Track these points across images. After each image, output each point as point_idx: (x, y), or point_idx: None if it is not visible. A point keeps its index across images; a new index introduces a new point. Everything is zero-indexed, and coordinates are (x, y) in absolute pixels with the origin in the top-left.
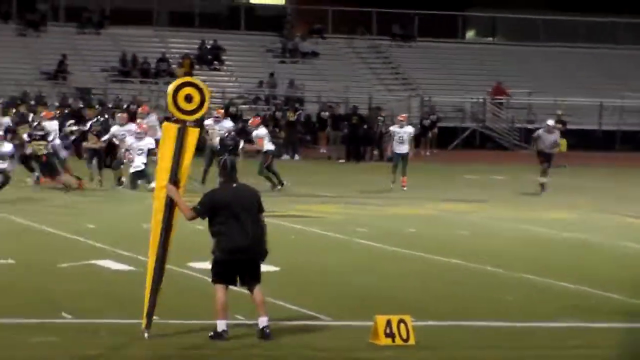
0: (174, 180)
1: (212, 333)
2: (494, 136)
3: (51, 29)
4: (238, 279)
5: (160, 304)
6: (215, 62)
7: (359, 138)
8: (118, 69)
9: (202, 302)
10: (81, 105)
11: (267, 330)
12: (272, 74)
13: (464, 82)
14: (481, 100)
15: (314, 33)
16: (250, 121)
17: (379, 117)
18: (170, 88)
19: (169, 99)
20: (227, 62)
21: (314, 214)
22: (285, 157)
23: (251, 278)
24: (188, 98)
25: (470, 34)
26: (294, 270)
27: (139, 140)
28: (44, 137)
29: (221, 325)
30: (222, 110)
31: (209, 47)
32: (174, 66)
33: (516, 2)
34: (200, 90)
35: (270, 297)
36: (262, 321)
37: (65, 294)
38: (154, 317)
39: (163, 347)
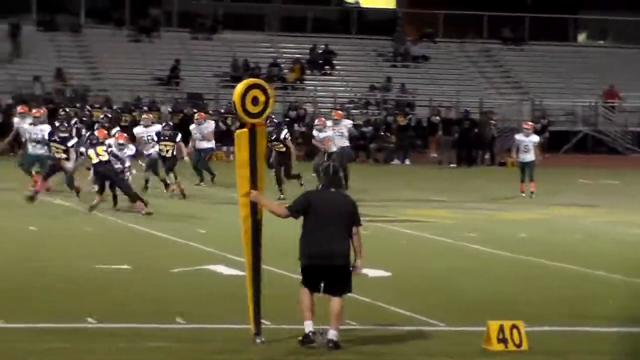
0: (255, 184)
1: (260, 340)
2: (606, 140)
3: (164, 34)
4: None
5: (273, 309)
6: (327, 67)
7: (471, 142)
8: (230, 74)
9: (321, 308)
10: (194, 111)
11: (331, 344)
12: (389, 79)
13: (576, 85)
14: (593, 103)
15: (425, 37)
16: (317, 121)
17: (490, 121)
18: (237, 92)
19: (237, 104)
20: (338, 67)
21: (425, 219)
22: (396, 161)
23: (332, 287)
24: (254, 100)
25: (581, 37)
26: (406, 276)
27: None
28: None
29: (307, 326)
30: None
31: (320, 51)
32: (285, 71)
33: (628, 4)
34: (264, 90)
35: (382, 302)
36: (331, 334)
37: (178, 299)
38: (267, 322)
39: (275, 353)
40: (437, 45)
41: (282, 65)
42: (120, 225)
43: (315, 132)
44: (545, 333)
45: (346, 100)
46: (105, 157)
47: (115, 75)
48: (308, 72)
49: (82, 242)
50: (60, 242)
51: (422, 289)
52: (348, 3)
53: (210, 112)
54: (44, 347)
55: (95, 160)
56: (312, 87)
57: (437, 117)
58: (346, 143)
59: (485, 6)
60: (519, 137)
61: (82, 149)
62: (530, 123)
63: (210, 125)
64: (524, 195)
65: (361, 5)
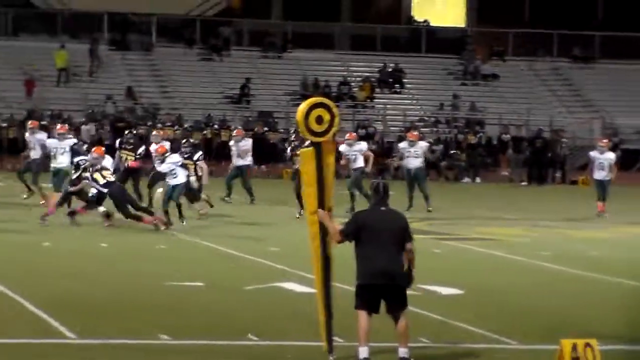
0: (322, 203)
1: (332, 358)
2: None
3: (234, 53)
4: (383, 304)
5: (346, 326)
6: (396, 85)
7: (542, 160)
8: (300, 93)
9: (386, 326)
10: (266, 129)
11: None
12: (456, 96)
13: None
14: None
15: (495, 55)
16: (347, 135)
17: (561, 140)
18: (301, 111)
19: (300, 122)
20: (407, 85)
21: (496, 237)
22: (467, 180)
23: (394, 305)
24: (319, 119)
25: None
26: (478, 293)
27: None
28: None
29: (362, 352)
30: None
31: (389, 70)
32: (355, 89)
33: None
34: (329, 109)
35: (453, 320)
36: (402, 352)
37: (251, 317)
38: (339, 340)
39: None
40: (507, 64)
41: (352, 84)
42: (192, 242)
43: (343, 147)
44: (619, 352)
45: (416, 118)
46: (111, 179)
47: (186, 93)
48: (378, 90)
49: (155, 260)
50: (132, 259)
51: (494, 307)
52: (418, 22)
53: (281, 130)
54: None
55: (102, 181)
56: (382, 106)
57: (507, 135)
58: (420, 164)
59: (555, 24)
60: (593, 154)
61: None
62: (605, 140)
63: (247, 143)
64: (604, 215)
65: (431, 24)
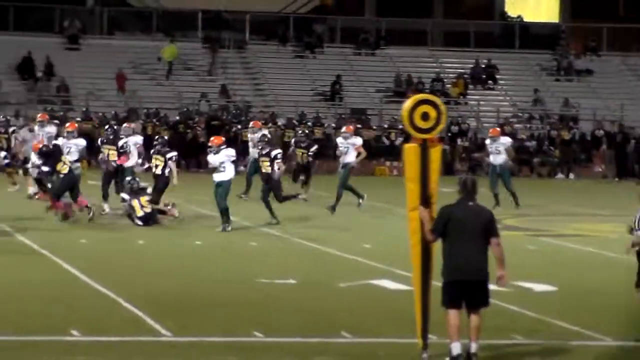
0: (425, 200)
1: (447, 358)
2: None
3: (327, 50)
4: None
5: (439, 323)
6: (489, 81)
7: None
8: (393, 90)
9: (487, 322)
10: (359, 126)
11: (474, 358)
12: (551, 93)
13: None
14: None
15: (589, 50)
16: (343, 128)
17: None
18: (406, 106)
19: (405, 118)
20: (501, 81)
21: (590, 233)
22: (560, 176)
23: (476, 301)
24: (424, 116)
25: None
26: (572, 290)
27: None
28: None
29: (455, 348)
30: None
31: (482, 66)
32: (448, 86)
33: None
34: (436, 107)
35: (548, 317)
36: (474, 347)
37: (344, 314)
38: (433, 337)
39: None
40: (601, 59)
41: (445, 80)
42: (283, 239)
43: (339, 140)
44: None
45: (509, 114)
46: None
47: (279, 91)
48: (471, 86)
49: (247, 257)
50: (225, 257)
51: (588, 304)
52: (511, 17)
53: (374, 127)
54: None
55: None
56: (475, 102)
57: (601, 131)
58: (503, 161)
59: None
60: None
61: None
62: None
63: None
64: None
65: (524, 20)
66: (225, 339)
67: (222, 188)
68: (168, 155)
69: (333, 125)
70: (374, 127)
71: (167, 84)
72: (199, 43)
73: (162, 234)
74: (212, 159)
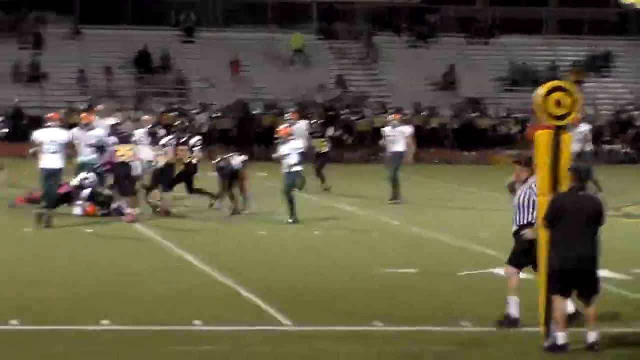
0: (555, 187)
1: (547, 344)
2: None
3: (441, 40)
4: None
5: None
6: (605, 69)
7: None
8: (508, 78)
9: (605, 310)
10: (472, 115)
11: (596, 347)
12: None
13: None
14: None
15: None
16: (390, 117)
17: None
18: (539, 93)
19: (539, 106)
20: (616, 69)
21: None
22: None
23: (587, 289)
24: (558, 103)
25: None
26: None
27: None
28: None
29: (561, 337)
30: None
31: (598, 54)
32: (563, 74)
33: None
34: (570, 93)
35: None
36: (591, 336)
37: (464, 303)
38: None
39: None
40: None
41: (560, 69)
42: (402, 228)
43: (386, 129)
44: None
45: (625, 102)
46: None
47: (394, 81)
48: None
49: (367, 247)
50: (345, 247)
51: None
52: (626, 4)
53: (491, 116)
54: (334, 349)
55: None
56: (592, 90)
57: None
58: (579, 149)
59: None
60: None
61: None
62: None
63: (302, 125)
64: None
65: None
66: (345, 328)
67: (286, 179)
68: (191, 143)
69: (449, 114)
70: (491, 116)
71: (282, 75)
72: (313, 34)
73: (283, 225)
74: (281, 149)
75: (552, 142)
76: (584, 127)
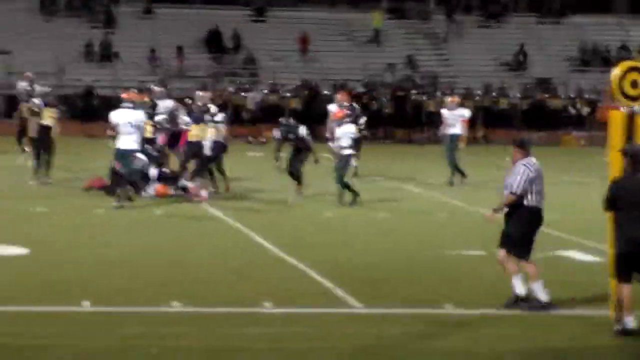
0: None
1: (619, 328)
2: None
3: (511, 19)
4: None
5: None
6: None
7: None
8: (578, 58)
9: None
10: (547, 95)
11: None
12: None
13: None
14: None
15: None
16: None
17: None
18: (616, 74)
19: (614, 85)
20: None
21: None
22: None
23: None
24: (634, 83)
25: None
26: None
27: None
28: None
29: (629, 322)
30: None
31: None
32: (635, 54)
33: None
34: None
35: None
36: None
37: None
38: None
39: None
40: None
41: (631, 49)
42: (468, 210)
43: (444, 111)
44: None
45: None
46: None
47: (464, 61)
48: None
49: (435, 228)
50: (413, 228)
51: None
52: None
53: (561, 96)
54: (404, 331)
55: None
56: None
57: None
58: None
59: None
60: None
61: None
62: None
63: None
64: None
65: None
66: (414, 310)
67: (338, 163)
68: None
69: (518, 95)
70: (561, 96)
71: (351, 55)
72: (383, 14)
73: (349, 208)
74: (337, 132)
75: (626, 123)
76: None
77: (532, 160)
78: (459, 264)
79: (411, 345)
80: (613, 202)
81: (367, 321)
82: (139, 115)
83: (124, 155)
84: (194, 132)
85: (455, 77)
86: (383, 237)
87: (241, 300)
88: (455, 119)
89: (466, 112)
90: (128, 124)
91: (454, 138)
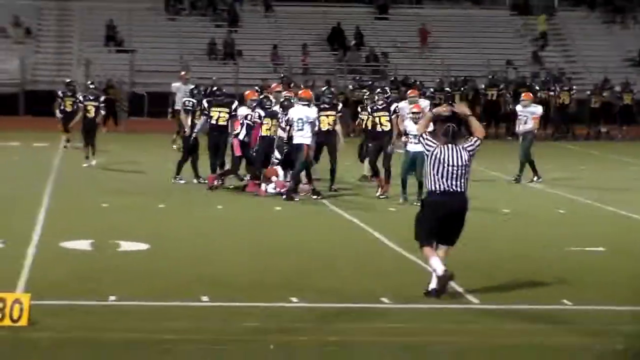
0: None
1: None
2: None
3: (636, 15)
4: None
5: None
6: None
7: None
8: None
9: None
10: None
11: None
12: None
13: None
14: None
15: None
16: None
17: None
18: None
19: None
20: None
21: None
22: None
23: None
24: None
25: None
26: None
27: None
28: None
29: None
30: None
31: None
32: None
33: None
34: None
35: None
36: None
37: None
38: None
39: None
40: None
41: None
42: (592, 205)
43: (518, 107)
44: None
45: None
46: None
47: (588, 57)
48: None
49: (555, 224)
50: (532, 224)
51: None
52: None
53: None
54: (522, 328)
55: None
56: None
57: None
58: None
59: None
60: None
61: None
62: None
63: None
64: None
65: None
66: (533, 307)
67: (403, 157)
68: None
69: None
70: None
71: (473, 52)
72: (507, 10)
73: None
74: (407, 126)
75: None
76: None
77: None
78: (581, 260)
79: (530, 341)
80: None
81: (485, 317)
82: (312, 113)
83: (298, 149)
84: (267, 127)
85: (578, 72)
86: (502, 232)
87: (362, 295)
88: (527, 116)
89: (538, 109)
90: (299, 121)
91: (528, 136)
